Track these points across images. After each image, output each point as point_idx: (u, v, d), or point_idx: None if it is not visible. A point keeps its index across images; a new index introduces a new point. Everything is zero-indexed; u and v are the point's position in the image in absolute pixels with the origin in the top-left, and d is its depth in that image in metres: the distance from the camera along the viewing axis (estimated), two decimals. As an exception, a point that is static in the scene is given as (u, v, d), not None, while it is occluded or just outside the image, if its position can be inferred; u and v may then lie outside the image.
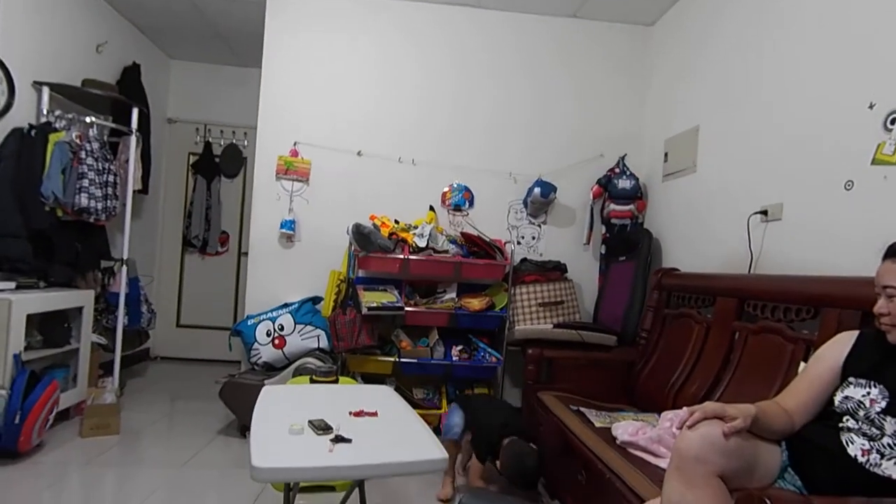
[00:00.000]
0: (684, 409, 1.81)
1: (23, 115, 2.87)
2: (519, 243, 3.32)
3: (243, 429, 2.81)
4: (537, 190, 3.16)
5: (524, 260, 3.20)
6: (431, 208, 3.23)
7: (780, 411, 1.22)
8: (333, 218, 3.18)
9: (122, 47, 3.81)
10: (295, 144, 3.20)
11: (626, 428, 1.85)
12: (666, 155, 3.05)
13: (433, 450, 1.41)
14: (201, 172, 4.48)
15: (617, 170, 3.20)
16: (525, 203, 3.31)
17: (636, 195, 3.15)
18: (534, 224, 3.35)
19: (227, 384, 2.75)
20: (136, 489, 2.15)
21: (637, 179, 3.17)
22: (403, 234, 3.00)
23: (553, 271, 3.12)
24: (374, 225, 3.03)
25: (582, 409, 2.29)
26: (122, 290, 3.23)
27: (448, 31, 3.33)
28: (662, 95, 3.20)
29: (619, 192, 3.12)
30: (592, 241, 3.30)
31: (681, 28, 3.04)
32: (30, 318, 2.47)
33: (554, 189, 3.21)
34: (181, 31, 3.98)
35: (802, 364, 1.63)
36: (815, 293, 1.73)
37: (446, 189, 3.30)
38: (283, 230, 3.15)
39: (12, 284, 2.53)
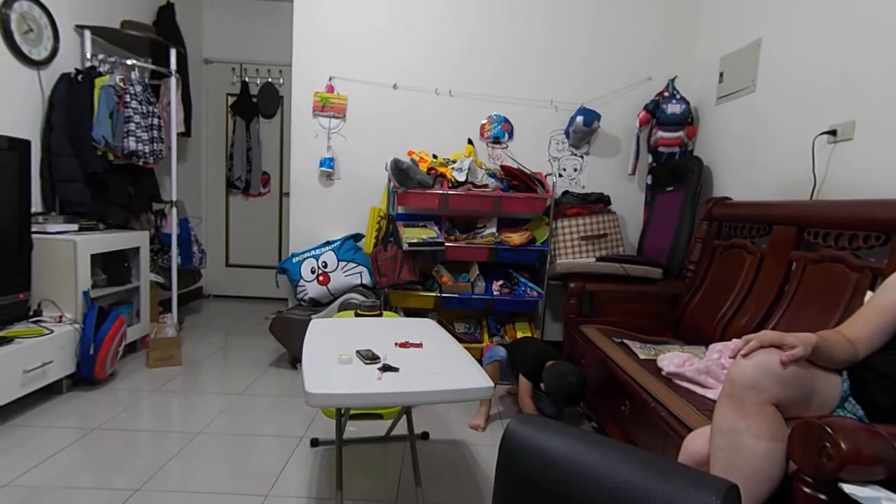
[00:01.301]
0: (735, 341, 1.78)
1: (68, 60, 2.90)
2: (560, 175, 3.21)
3: (294, 361, 2.97)
4: (580, 118, 3.01)
5: (566, 193, 3.10)
6: (470, 141, 3.14)
7: (843, 340, 1.16)
8: (371, 154, 3.15)
9: (153, -15, 3.74)
10: (330, 79, 3.13)
11: (672, 359, 1.83)
12: (721, 75, 2.80)
13: (479, 378, 1.44)
14: (240, 113, 4.49)
15: (666, 93, 2.98)
16: (567, 133, 3.16)
17: (686, 121, 2.94)
18: (576, 155, 3.21)
19: (277, 319, 2.87)
20: (201, 413, 2.34)
21: (688, 104, 2.95)
22: (442, 169, 2.94)
23: (596, 204, 3.02)
24: (413, 160, 2.99)
25: (625, 340, 2.28)
26: (174, 230, 3.37)
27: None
28: (719, 8, 2.90)
29: (668, 117, 2.92)
30: (638, 172, 3.15)
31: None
32: (93, 257, 2.61)
33: (598, 117, 3.04)
34: (208, -35, 3.85)
35: (869, 293, 1.53)
36: (888, 217, 1.60)
37: (485, 121, 3.18)
38: (323, 168, 3.15)
39: (75, 226, 2.67)
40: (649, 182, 3.07)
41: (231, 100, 4.51)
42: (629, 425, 1.93)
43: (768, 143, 2.39)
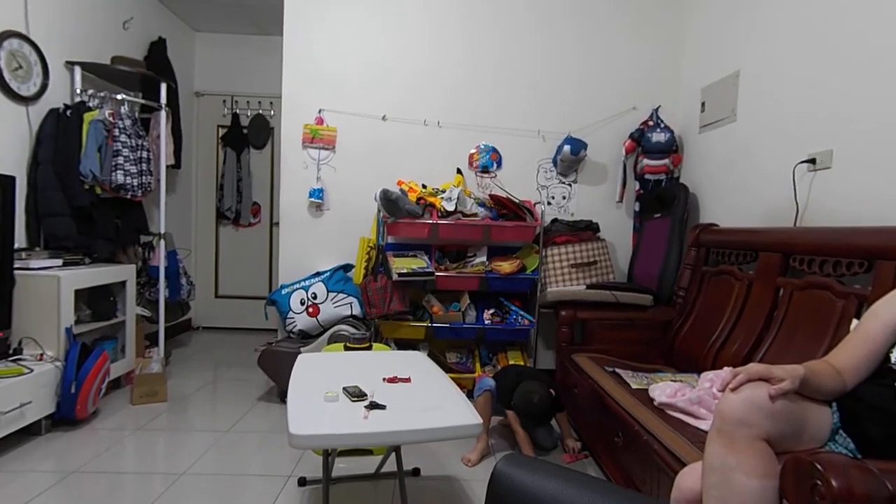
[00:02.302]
0: (726, 369, 1.76)
1: (57, 95, 2.92)
2: (549, 203, 3.24)
3: (282, 395, 2.91)
4: (567, 147, 3.05)
5: (555, 220, 3.12)
6: (459, 171, 3.17)
7: (831, 370, 1.15)
8: (361, 185, 3.16)
9: (148, 22, 3.81)
10: (320, 111, 3.17)
11: (664, 389, 1.81)
12: (703, 104, 2.87)
13: (468, 415, 1.41)
14: (230, 144, 4.51)
15: (651, 122, 3.04)
16: (555, 162, 3.20)
17: (671, 149, 3.00)
18: (564, 183, 3.25)
19: (265, 352, 2.83)
20: (187, 452, 2.27)
21: (672, 132, 3.01)
22: (431, 199, 2.96)
23: (585, 231, 3.04)
24: (402, 190, 3.00)
25: (617, 369, 2.26)
26: (162, 263, 3.34)
27: (469, -16, 3.17)
28: (698, 41, 2.99)
29: (653, 145, 2.97)
30: (626, 199, 3.18)
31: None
32: (78, 293, 2.57)
33: (584, 146, 3.08)
34: (204, 3, 3.94)
35: (855, 321, 1.54)
36: (869, 245, 1.62)
37: (473, 151, 3.22)
38: (312, 199, 3.15)
39: (59, 261, 2.64)
40: (637, 209, 3.10)
41: (222, 131, 4.55)
42: (623, 457, 1.90)
43: (751, 171, 2.43)
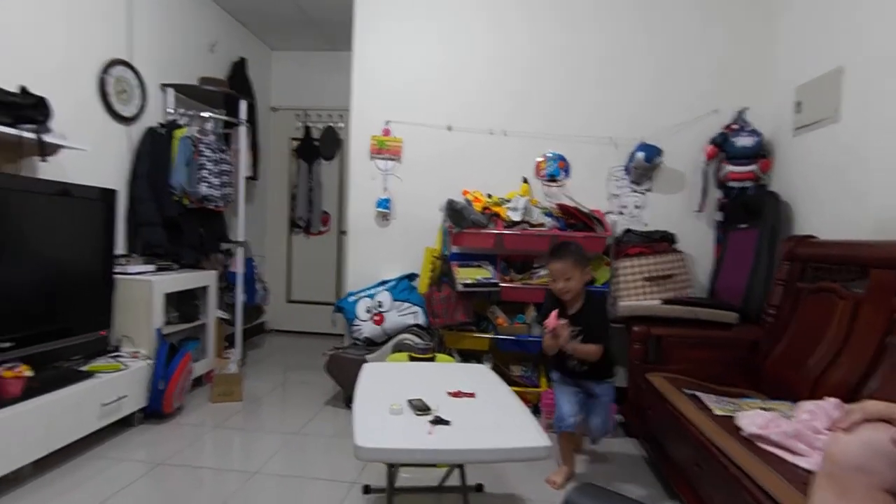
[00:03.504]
0: (830, 401, 1.58)
1: (153, 114, 3.19)
2: (621, 213, 3.09)
3: (348, 400, 2.97)
4: (640, 154, 2.90)
5: (627, 231, 2.97)
6: (525, 180, 3.11)
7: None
8: (426, 194, 3.17)
9: (231, 44, 4.08)
10: (387, 123, 3.23)
11: (754, 418, 1.65)
12: (798, 104, 2.62)
13: (535, 436, 1.35)
14: (303, 156, 4.72)
15: (735, 126, 2.82)
16: (627, 169, 3.06)
17: (759, 153, 2.76)
18: (637, 192, 3.09)
19: (332, 358, 2.90)
20: (258, 452, 2.37)
21: (760, 136, 2.77)
22: (497, 209, 2.92)
23: (660, 242, 2.87)
24: (467, 200, 2.98)
25: (697, 393, 2.09)
26: (240, 269, 3.54)
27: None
28: (792, 36, 2.74)
29: (737, 151, 2.75)
30: (707, 208, 2.97)
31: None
32: (167, 296, 2.77)
33: (659, 152, 2.92)
34: (280, 23, 4.17)
35: None
36: None
37: (540, 159, 3.14)
38: (379, 209, 3.21)
39: (152, 267, 2.86)
40: (720, 219, 2.88)
41: (295, 144, 4.77)
42: (704, 489, 1.74)
43: (859, 177, 2.18)
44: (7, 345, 2.00)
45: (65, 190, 2.28)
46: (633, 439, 2.60)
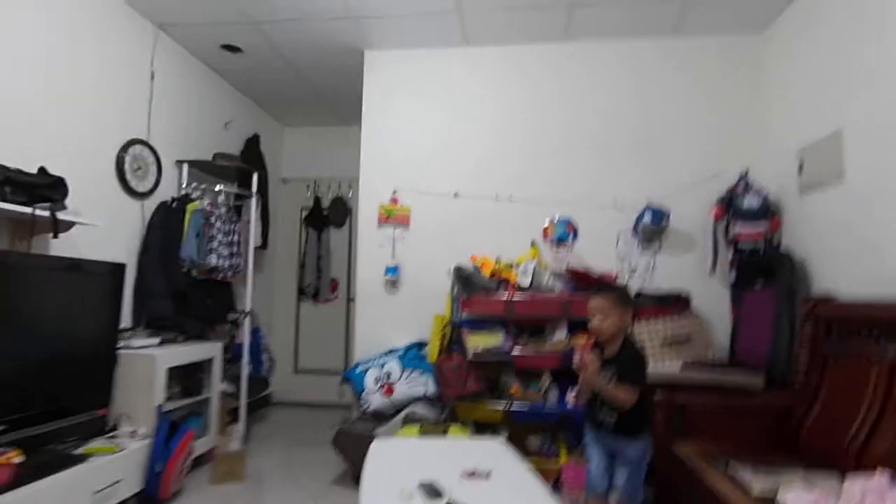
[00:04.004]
0: (887, 482, 1.46)
1: (166, 189, 3.27)
2: (633, 273, 3.04)
3: (356, 478, 2.77)
4: (647, 218, 2.91)
5: (639, 294, 2.91)
6: (533, 243, 3.10)
7: None
8: (434, 261, 3.16)
9: (245, 121, 4.27)
10: (394, 192, 3.29)
11: (800, 498, 1.52)
12: (801, 166, 2.64)
13: (558, 524, 1.24)
14: (312, 224, 4.79)
15: (739, 188, 2.83)
16: (635, 231, 3.05)
17: (767, 213, 2.75)
18: (647, 253, 3.06)
19: (339, 434, 2.77)
20: (260, 540, 2.20)
21: (766, 195, 2.78)
22: (506, 273, 2.89)
23: (674, 304, 2.80)
24: (475, 266, 2.97)
25: (731, 465, 1.94)
26: (247, 340, 3.48)
27: (542, 67, 3.29)
28: (790, 100, 2.82)
29: (745, 211, 2.75)
30: (719, 268, 2.92)
31: (806, 27, 2.68)
32: (170, 370, 2.70)
33: (666, 215, 2.92)
34: (292, 102, 4.38)
35: None
36: None
37: (547, 224, 3.15)
38: (388, 276, 3.20)
39: (156, 341, 2.81)
40: (733, 280, 2.83)
41: (304, 213, 4.85)
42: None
43: (873, 232, 2.14)
44: (0, 428, 1.92)
45: (74, 265, 2.30)
46: (662, 519, 2.40)
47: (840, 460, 1.81)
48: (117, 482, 2.24)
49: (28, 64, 2.34)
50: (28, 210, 2.05)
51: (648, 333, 2.71)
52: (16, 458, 1.85)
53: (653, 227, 2.88)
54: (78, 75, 2.61)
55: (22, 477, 1.85)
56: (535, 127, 3.25)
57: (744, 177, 2.85)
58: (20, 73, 2.31)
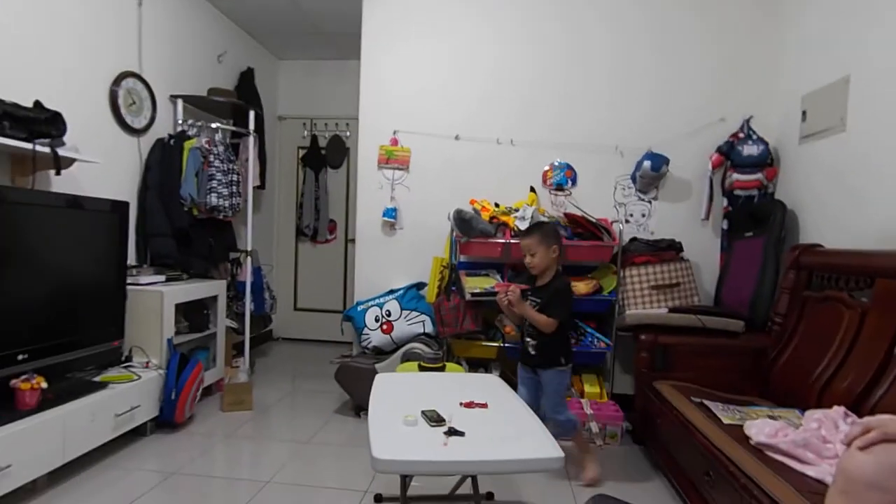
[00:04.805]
0: (841, 412, 1.60)
1: (162, 125, 3.22)
2: (627, 221, 3.11)
3: (357, 408, 2.99)
4: (647, 163, 2.93)
5: (633, 239, 2.99)
6: (532, 189, 3.13)
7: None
8: (434, 204, 3.20)
9: (238, 54, 4.12)
10: (395, 133, 3.26)
11: (763, 427, 1.67)
12: (804, 113, 2.64)
13: (549, 448, 1.37)
14: (310, 165, 4.76)
15: (741, 134, 2.85)
16: (633, 178, 3.08)
17: (765, 162, 2.79)
18: (643, 200, 3.11)
19: (342, 367, 2.92)
20: (270, 461, 2.39)
21: (766, 144, 2.80)
22: (504, 218, 2.94)
23: (667, 251, 2.88)
24: (475, 209, 3.01)
25: (705, 401, 2.11)
26: (248, 279, 3.56)
27: (546, 5, 3.16)
28: (798, 45, 2.77)
29: (743, 159, 2.78)
30: (712, 216, 2.99)
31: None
32: (177, 306, 2.80)
33: (666, 161, 2.95)
34: (287, 33, 4.21)
35: None
36: None
37: (547, 168, 3.17)
38: (386, 218, 3.24)
39: (162, 278, 2.89)
40: (725, 227, 2.91)
41: (301, 152, 4.81)
42: (714, 498, 1.75)
43: (867, 185, 2.20)
44: (22, 357, 2.03)
45: (78, 202, 2.32)
46: (640, 447, 2.62)
47: (805, 398, 1.96)
48: (136, 407, 2.40)
49: (14, -9, 2.24)
50: (28, 146, 2.05)
51: (639, 277, 2.82)
52: (42, 383, 1.96)
53: (652, 173, 2.91)
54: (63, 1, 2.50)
55: (48, 401, 1.99)
56: (539, 69, 3.18)
57: (747, 123, 2.85)
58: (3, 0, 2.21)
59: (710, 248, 3.03)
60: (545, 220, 2.30)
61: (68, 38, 2.54)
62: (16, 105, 2.06)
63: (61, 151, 2.20)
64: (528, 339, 2.25)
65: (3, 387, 1.93)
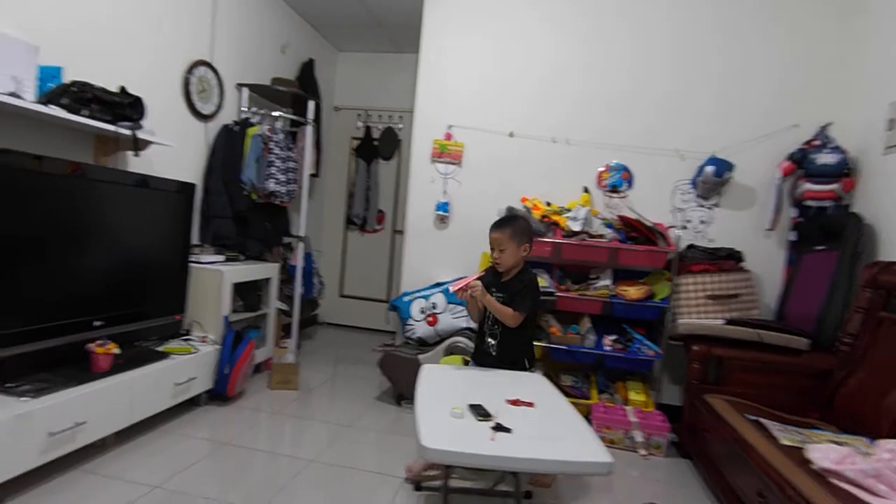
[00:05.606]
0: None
1: (228, 112, 3.36)
2: (685, 228, 3.00)
3: (398, 397, 3.03)
4: (710, 168, 2.81)
5: (691, 246, 2.88)
6: (586, 190, 3.07)
7: None
8: (484, 199, 3.19)
9: (300, 45, 4.24)
10: (449, 127, 3.27)
11: (827, 452, 1.58)
12: (891, 122, 2.46)
13: (598, 452, 1.35)
14: (362, 155, 4.84)
15: (817, 142, 2.68)
16: (694, 183, 2.97)
17: (842, 172, 2.62)
18: (703, 206, 2.99)
19: (386, 356, 2.97)
20: (312, 441, 2.47)
21: (844, 153, 2.63)
22: (556, 218, 2.90)
23: (726, 260, 2.76)
24: (526, 207, 2.98)
25: (761, 419, 2.02)
26: (300, 263, 3.68)
27: (609, 1, 3.08)
28: (886, 49, 2.57)
29: (818, 168, 2.62)
30: (778, 227, 2.84)
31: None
32: (234, 286, 2.92)
33: (730, 167, 2.82)
34: (348, 25, 4.29)
35: None
36: None
37: (602, 169, 3.10)
38: (438, 212, 3.26)
39: (222, 258, 3.02)
40: (793, 238, 2.75)
41: (355, 143, 4.90)
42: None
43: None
44: (98, 323, 2.18)
45: (150, 182, 2.45)
46: (686, 461, 2.53)
47: (875, 427, 1.84)
48: (193, 379, 2.52)
49: (104, -20, 2.39)
50: (112, 128, 2.18)
51: (695, 286, 2.72)
52: (114, 349, 2.10)
53: (715, 179, 2.79)
54: (148, -7, 2.65)
55: (119, 366, 2.13)
56: (598, 66, 3.11)
57: (824, 130, 2.69)
58: (97, -10, 2.36)
59: (773, 259, 2.88)
60: (518, 213, 2.14)
61: (151, 27, 2.68)
62: (104, 90, 2.20)
63: (140, 134, 2.33)
64: (489, 339, 2.12)
65: (80, 350, 2.07)
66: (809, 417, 2.15)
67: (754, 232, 2.92)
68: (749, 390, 2.34)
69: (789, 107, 2.88)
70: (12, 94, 1.80)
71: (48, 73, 2.02)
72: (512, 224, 2.09)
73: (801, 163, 2.68)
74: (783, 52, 2.90)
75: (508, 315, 2.01)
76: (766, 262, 2.88)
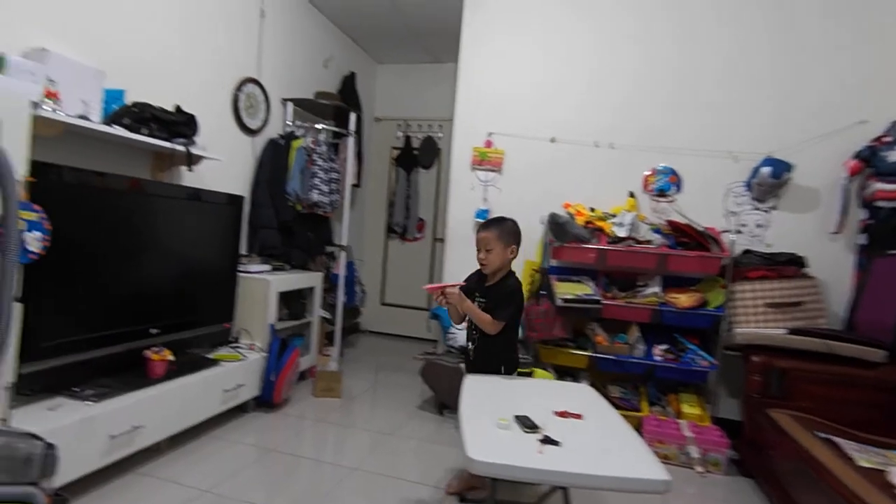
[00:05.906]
0: None
1: (273, 126, 3.47)
2: (739, 232, 2.85)
3: (440, 406, 3.00)
4: (766, 169, 2.66)
5: (747, 251, 2.73)
6: (631, 194, 2.97)
7: None
8: (525, 206, 3.12)
9: (342, 59, 4.34)
10: (489, 135, 3.25)
11: (914, 477, 1.44)
12: (972, 114, 2.26)
13: (654, 469, 1.27)
14: (402, 165, 4.89)
15: (887, 138, 2.50)
16: (748, 185, 2.82)
17: (916, 170, 2.42)
18: (759, 210, 2.83)
19: (427, 364, 2.95)
20: (354, 449, 2.47)
21: (919, 149, 2.43)
22: (600, 223, 2.82)
23: (787, 266, 2.60)
24: (569, 213, 2.91)
25: (833, 438, 1.87)
26: (342, 272, 3.73)
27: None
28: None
29: (890, 166, 2.44)
30: (845, 229, 2.65)
31: None
32: (280, 295, 2.99)
33: (788, 167, 2.66)
34: (388, 38, 4.37)
35: None
36: None
37: (648, 173, 2.99)
38: (478, 219, 3.23)
39: (268, 267, 3.10)
40: (863, 242, 2.56)
41: (395, 153, 4.95)
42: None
43: None
44: (154, 331, 2.26)
45: (201, 195, 2.55)
46: (748, 479, 2.38)
47: (969, 446, 1.67)
48: (241, 385, 2.58)
49: (163, 7, 2.52)
50: (169, 145, 2.28)
51: (753, 293, 2.56)
52: (169, 356, 2.18)
53: (772, 181, 2.64)
54: (201, 15, 2.77)
55: (172, 372, 2.20)
56: (643, 68, 3.02)
57: (895, 126, 2.50)
58: (156, 15, 2.49)
59: (840, 264, 2.68)
60: (505, 216, 2.07)
61: (203, 49, 2.81)
62: (161, 109, 2.31)
63: (193, 150, 2.43)
64: (468, 344, 2.08)
65: (137, 356, 2.16)
66: (888, 436, 1.98)
67: (817, 236, 2.73)
68: (816, 405, 2.18)
69: (854, 102, 2.69)
70: (82, 117, 1.92)
71: (112, 96, 2.14)
72: (500, 225, 2.04)
73: (869, 161, 2.50)
74: (844, 44, 2.72)
75: (487, 322, 1.97)
76: (833, 267, 2.69)
